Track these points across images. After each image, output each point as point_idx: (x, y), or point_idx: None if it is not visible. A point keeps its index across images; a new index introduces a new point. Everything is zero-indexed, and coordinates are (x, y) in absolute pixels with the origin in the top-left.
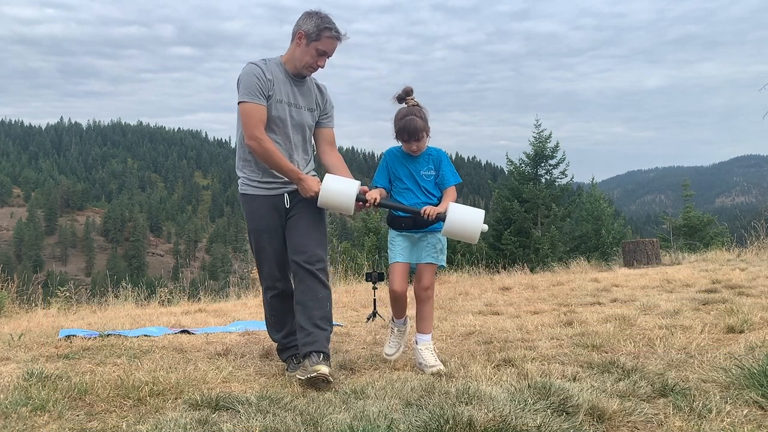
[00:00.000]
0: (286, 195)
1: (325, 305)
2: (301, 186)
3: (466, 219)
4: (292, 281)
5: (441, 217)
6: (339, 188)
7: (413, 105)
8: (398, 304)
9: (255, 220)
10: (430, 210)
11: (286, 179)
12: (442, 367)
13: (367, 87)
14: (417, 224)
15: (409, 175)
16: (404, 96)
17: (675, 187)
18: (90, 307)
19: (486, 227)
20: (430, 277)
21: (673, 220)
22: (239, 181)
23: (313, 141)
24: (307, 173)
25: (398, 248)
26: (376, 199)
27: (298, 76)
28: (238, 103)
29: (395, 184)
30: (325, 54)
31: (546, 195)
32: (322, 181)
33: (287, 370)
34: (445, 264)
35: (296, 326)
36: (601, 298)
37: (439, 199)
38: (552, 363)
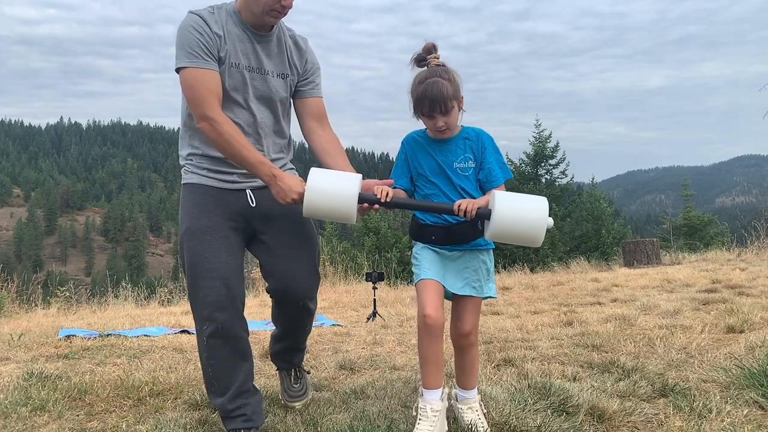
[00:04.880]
0: (249, 192)
1: (303, 335)
2: (276, 187)
3: (523, 213)
4: (242, 314)
5: (484, 215)
6: (333, 188)
7: (438, 65)
8: (432, 344)
9: (192, 217)
10: (467, 204)
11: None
12: None
13: (368, 87)
14: (453, 237)
15: (437, 169)
16: (425, 55)
17: (675, 187)
18: (90, 307)
19: (551, 221)
20: (474, 319)
21: (673, 220)
22: (183, 170)
23: (294, 118)
24: (282, 166)
25: (425, 262)
26: (388, 193)
27: (261, 29)
28: (176, 71)
29: (419, 183)
30: None
31: (546, 195)
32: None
33: None
34: (495, 294)
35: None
36: (601, 298)
37: None
38: (552, 363)
